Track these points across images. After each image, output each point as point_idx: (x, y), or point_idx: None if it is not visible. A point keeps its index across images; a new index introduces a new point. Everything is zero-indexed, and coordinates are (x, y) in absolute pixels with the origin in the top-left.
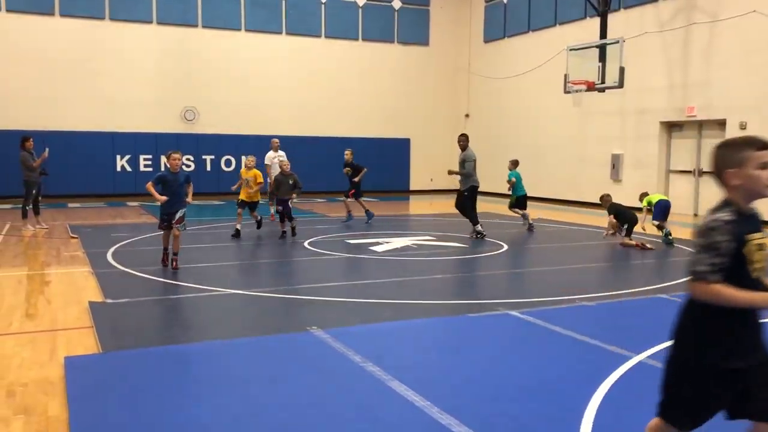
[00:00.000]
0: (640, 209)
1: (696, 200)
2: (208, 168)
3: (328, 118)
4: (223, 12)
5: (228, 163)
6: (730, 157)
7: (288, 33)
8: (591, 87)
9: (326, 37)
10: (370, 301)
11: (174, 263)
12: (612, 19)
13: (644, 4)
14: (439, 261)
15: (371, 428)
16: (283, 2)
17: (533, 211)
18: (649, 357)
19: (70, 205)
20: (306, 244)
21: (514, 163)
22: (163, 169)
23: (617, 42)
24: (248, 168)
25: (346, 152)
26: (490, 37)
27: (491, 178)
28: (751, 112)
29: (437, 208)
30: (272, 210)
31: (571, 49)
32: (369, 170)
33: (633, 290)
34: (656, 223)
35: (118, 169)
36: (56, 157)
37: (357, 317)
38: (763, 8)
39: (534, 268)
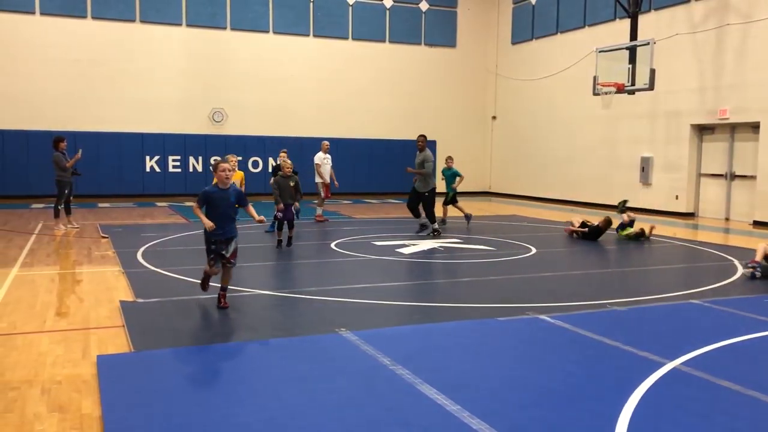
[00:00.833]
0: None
1: (727, 204)
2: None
3: (354, 119)
4: (251, 14)
5: (255, 164)
6: None
7: (315, 35)
8: (620, 89)
9: (353, 39)
10: (398, 304)
11: (223, 300)
12: (642, 20)
13: (676, 5)
14: (467, 264)
15: None
16: (311, 4)
17: (565, 215)
18: (683, 364)
19: (100, 205)
20: (333, 245)
21: (452, 159)
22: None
23: (648, 43)
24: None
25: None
26: (517, 38)
27: (518, 179)
28: None
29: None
30: (319, 210)
31: (600, 51)
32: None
33: (664, 295)
34: (635, 231)
35: (147, 169)
36: (87, 157)
37: (385, 319)
38: None
39: (562, 272)
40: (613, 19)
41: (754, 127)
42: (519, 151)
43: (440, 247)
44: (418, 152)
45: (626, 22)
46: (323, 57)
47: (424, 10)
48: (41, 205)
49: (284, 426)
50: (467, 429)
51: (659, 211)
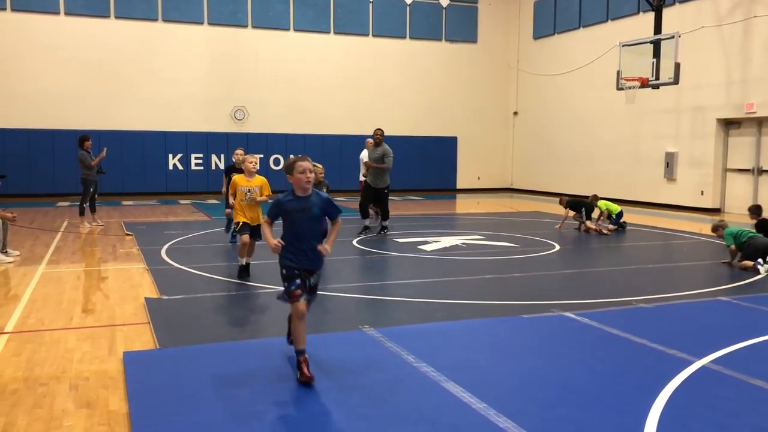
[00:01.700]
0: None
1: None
2: (258, 167)
3: (376, 116)
4: (273, 12)
5: (276, 161)
6: None
7: (336, 32)
8: (645, 83)
9: (374, 35)
10: (421, 301)
11: (305, 368)
12: (667, 13)
13: None
14: (490, 261)
15: (430, 429)
16: (331, 2)
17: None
18: (712, 362)
19: (124, 202)
20: (354, 242)
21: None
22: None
23: (672, 37)
24: (249, 173)
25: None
26: (539, 33)
27: (540, 175)
28: None
29: (485, 207)
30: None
31: (624, 45)
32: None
33: (690, 292)
34: (612, 227)
35: (170, 167)
36: (111, 156)
37: (409, 316)
38: None
39: (587, 269)
40: (637, 13)
41: None
42: (541, 147)
43: (462, 243)
44: (374, 146)
45: (650, 16)
46: (344, 54)
47: (444, 5)
48: (66, 204)
49: (313, 424)
50: (493, 427)
51: (684, 207)
